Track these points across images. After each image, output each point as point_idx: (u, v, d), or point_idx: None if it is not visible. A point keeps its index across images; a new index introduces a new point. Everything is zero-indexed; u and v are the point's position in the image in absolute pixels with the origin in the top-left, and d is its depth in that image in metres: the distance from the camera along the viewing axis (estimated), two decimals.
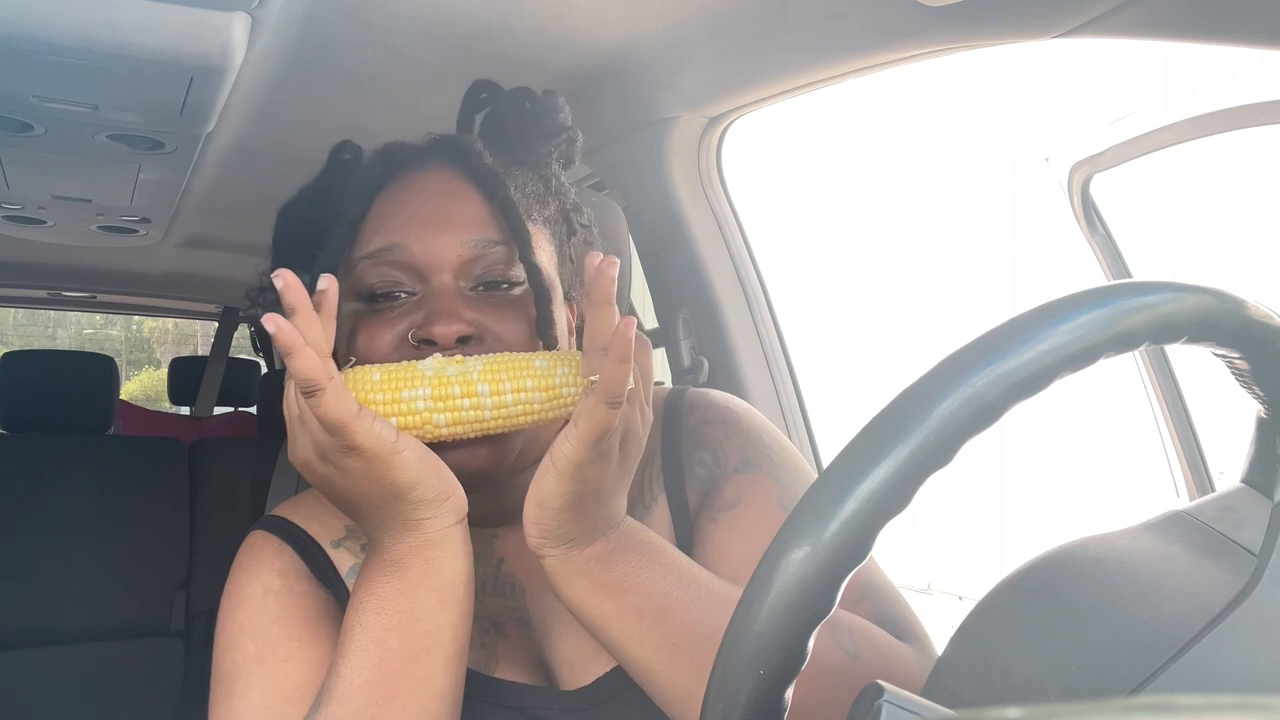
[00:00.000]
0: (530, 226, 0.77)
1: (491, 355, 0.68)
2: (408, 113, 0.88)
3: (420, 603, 0.65)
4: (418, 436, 0.66)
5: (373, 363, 0.70)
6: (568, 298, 0.82)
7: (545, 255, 0.78)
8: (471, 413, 0.66)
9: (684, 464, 0.83)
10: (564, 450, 0.63)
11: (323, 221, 0.78)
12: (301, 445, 0.66)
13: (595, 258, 0.63)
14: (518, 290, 0.75)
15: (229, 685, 0.70)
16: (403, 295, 0.74)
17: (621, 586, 0.67)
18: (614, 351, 0.60)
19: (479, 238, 0.74)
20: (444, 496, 0.66)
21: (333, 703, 0.64)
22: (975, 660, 0.48)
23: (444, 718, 0.66)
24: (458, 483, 0.67)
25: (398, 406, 0.66)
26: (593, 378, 0.62)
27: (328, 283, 0.65)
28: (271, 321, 0.59)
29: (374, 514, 0.66)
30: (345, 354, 0.74)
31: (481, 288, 0.75)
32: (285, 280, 0.62)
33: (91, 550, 2.06)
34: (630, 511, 0.82)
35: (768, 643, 0.42)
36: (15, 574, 1.99)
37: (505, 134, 0.83)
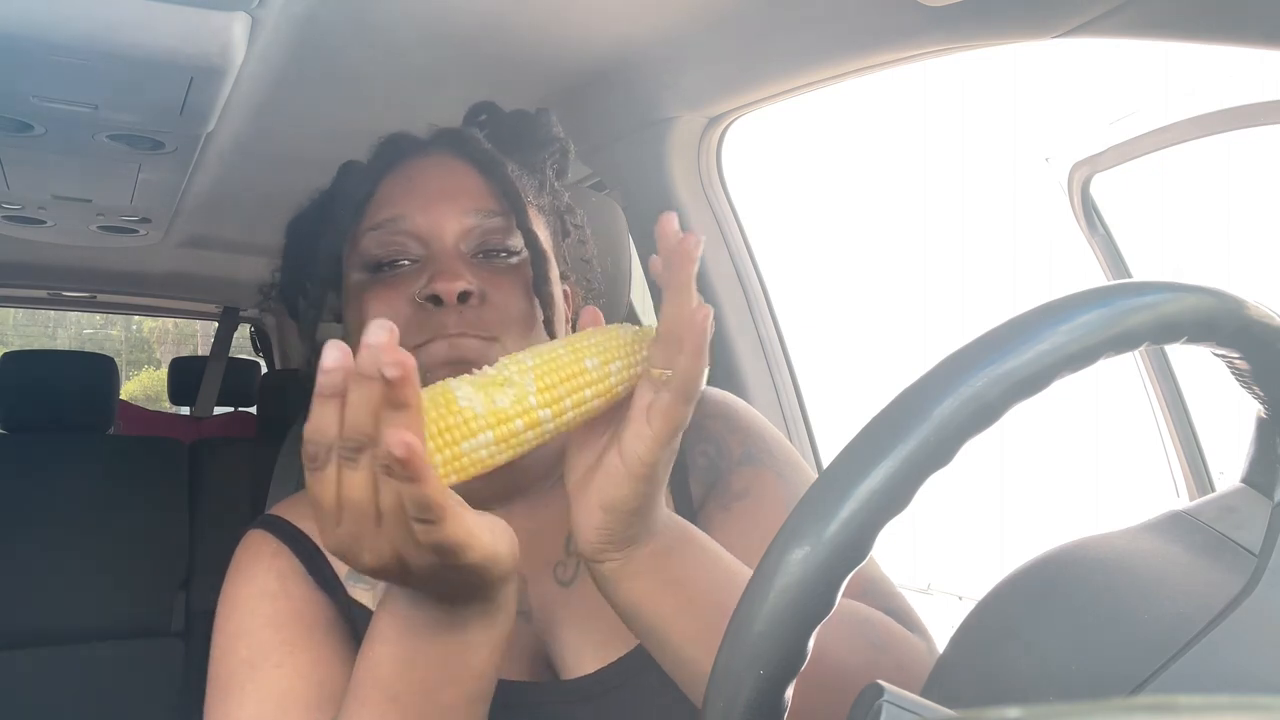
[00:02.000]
0: (527, 205, 0.80)
1: (534, 361, 0.59)
2: (408, 113, 0.88)
3: (475, 657, 0.60)
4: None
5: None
6: (563, 277, 0.84)
7: (541, 229, 0.81)
8: (534, 440, 0.58)
9: (686, 456, 0.83)
10: (638, 452, 0.59)
11: (331, 223, 0.80)
12: (373, 551, 0.54)
13: (671, 225, 0.57)
14: (515, 259, 0.78)
15: (223, 691, 0.70)
16: (406, 262, 0.76)
17: (680, 582, 0.64)
18: (692, 345, 0.57)
19: (479, 206, 0.77)
20: (513, 562, 0.58)
21: None
22: (975, 660, 0.48)
23: None
24: (514, 539, 0.59)
25: (459, 463, 0.56)
26: (665, 371, 0.58)
27: (387, 333, 0.50)
28: (403, 444, 0.48)
29: (439, 591, 0.58)
30: (356, 323, 0.77)
31: (481, 255, 0.77)
32: (403, 368, 0.49)
33: (92, 550, 2.05)
34: None
35: (768, 643, 0.42)
36: (15, 574, 1.99)
37: (501, 145, 0.85)
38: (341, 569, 0.78)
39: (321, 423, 0.51)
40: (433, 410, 0.55)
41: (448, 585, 0.56)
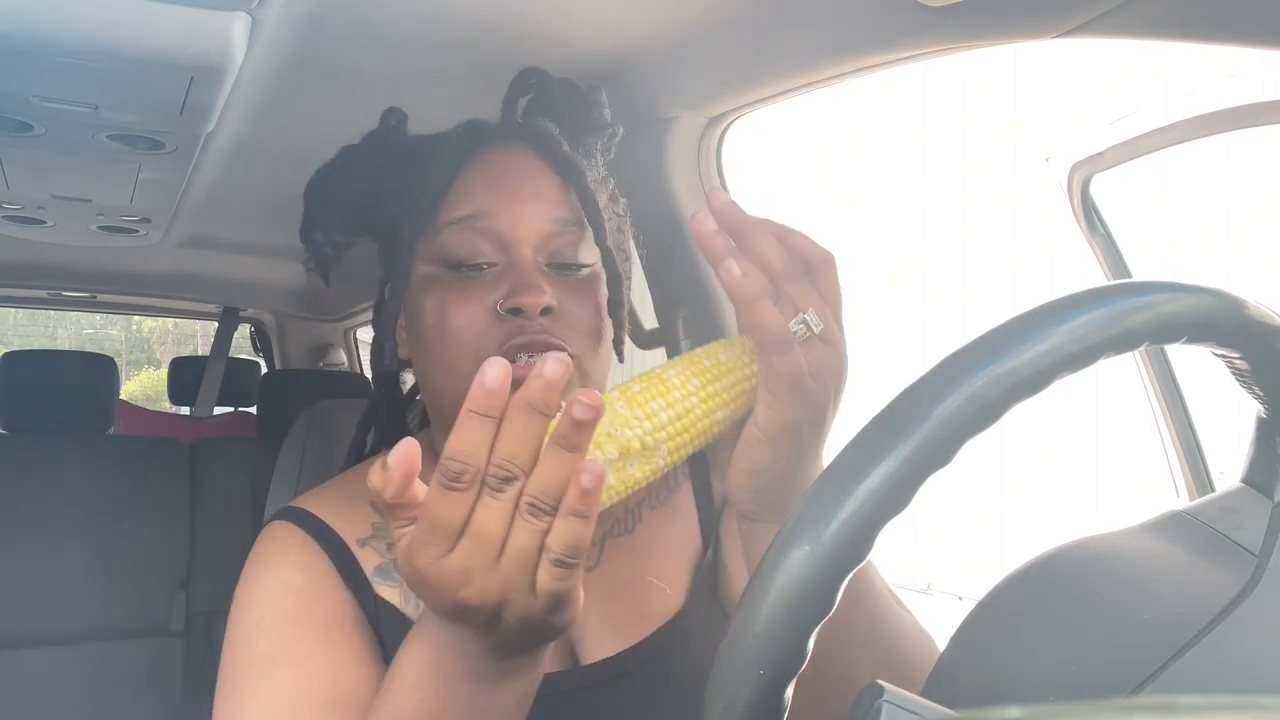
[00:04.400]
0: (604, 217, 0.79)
1: (669, 424, 0.57)
2: (409, 113, 0.88)
3: (508, 711, 0.57)
4: None
5: (462, 333, 0.71)
6: None
7: (613, 241, 0.80)
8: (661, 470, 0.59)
9: (710, 455, 0.84)
10: (769, 418, 0.59)
11: (399, 185, 0.79)
12: (480, 589, 0.50)
13: (705, 224, 0.58)
14: (585, 272, 0.77)
15: (238, 684, 0.67)
16: (484, 265, 0.74)
17: None
18: (744, 316, 0.57)
19: (558, 215, 0.76)
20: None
21: None
22: (975, 660, 0.48)
23: None
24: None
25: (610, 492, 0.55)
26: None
27: (564, 368, 0.48)
28: (594, 476, 0.48)
29: (506, 642, 0.54)
30: (435, 322, 0.74)
31: (555, 266, 0.76)
32: (597, 412, 0.47)
33: (91, 550, 2.05)
34: (654, 495, 0.81)
35: (768, 643, 0.42)
36: (15, 574, 1.99)
37: (554, 121, 0.84)
38: (369, 565, 0.75)
39: (472, 442, 0.48)
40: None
41: (524, 637, 0.53)
